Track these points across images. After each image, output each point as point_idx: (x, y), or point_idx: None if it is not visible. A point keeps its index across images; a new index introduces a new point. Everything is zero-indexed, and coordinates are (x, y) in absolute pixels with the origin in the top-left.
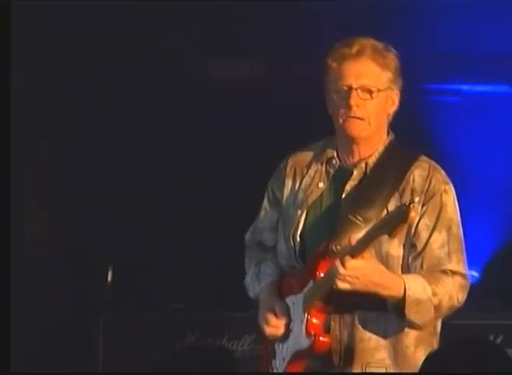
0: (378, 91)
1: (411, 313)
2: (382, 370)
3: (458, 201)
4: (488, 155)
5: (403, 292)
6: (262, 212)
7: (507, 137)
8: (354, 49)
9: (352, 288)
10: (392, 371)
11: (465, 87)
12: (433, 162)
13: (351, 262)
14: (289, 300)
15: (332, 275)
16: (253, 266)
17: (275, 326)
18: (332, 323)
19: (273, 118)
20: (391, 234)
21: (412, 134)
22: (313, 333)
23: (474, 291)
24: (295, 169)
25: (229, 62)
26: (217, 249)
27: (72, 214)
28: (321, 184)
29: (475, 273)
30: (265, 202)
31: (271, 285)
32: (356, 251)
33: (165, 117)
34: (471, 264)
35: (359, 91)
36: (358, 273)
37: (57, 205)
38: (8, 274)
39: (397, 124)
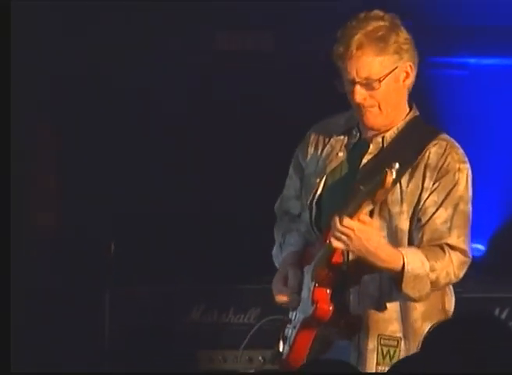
0: (380, 80)
1: (408, 288)
2: (394, 343)
3: None
4: (496, 128)
5: (401, 266)
6: (288, 181)
7: None
8: (351, 49)
9: (345, 248)
10: (402, 344)
11: (472, 60)
12: (452, 141)
13: (347, 220)
14: (305, 269)
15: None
16: (280, 236)
17: (281, 292)
18: (351, 295)
19: (279, 94)
20: (373, 200)
21: (419, 108)
22: (316, 300)
23: (480, 265)
24: (318, 138)
25: (236, 35)
26: (222, 222)
27: (76, 189)
28: (340, 154)
29: (481, 247)
30: (291, 170)
31: (291, 255)
32: (350, 212)
33: (168, 99)
34: (476, 238)
35: (362, 84)
36: (352, 233)
37: (60, 181)
38: (8, 271)
39: None
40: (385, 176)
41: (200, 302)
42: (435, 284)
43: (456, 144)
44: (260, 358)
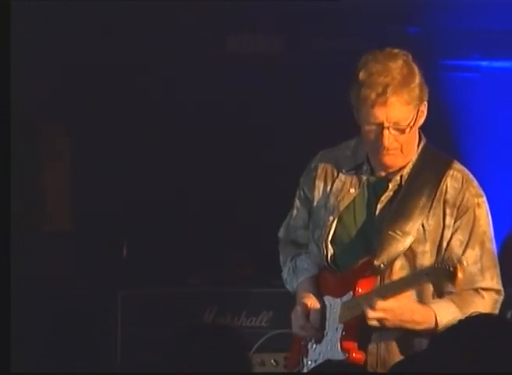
0: (411, 126)
1: None
2: None
3: (477, 177)
4: (509, 131)
5: (434, 324)
6: (294, 212)
7: None
8: (387, 96)
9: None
10: None
11: (484, 63)
12: (466, 172)
13: (380, 304)
14: (326, 299)
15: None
16: (288, 261)
17: (303, 327)
18: (372, 336)
19: (289, 96)
20: (435, 287)
21: (431, 110)
22: (348, 349)
23: None
24: (326, 172)
25: (247, 37)
26: (236, 225)
27: (90, 189)
28: (352, 190)
29: None
30: (297, 201)
31: (308, 281)
32: (389, 293)
33: (178, 102)
34: None
35: (391, 129)
36: (388, 314)
37: (74, 181)
38: (9, 271)
39: None
40: (457, 273)
41: (212, 305)
42: None
43: (471, 175)
44: (272, 361)
